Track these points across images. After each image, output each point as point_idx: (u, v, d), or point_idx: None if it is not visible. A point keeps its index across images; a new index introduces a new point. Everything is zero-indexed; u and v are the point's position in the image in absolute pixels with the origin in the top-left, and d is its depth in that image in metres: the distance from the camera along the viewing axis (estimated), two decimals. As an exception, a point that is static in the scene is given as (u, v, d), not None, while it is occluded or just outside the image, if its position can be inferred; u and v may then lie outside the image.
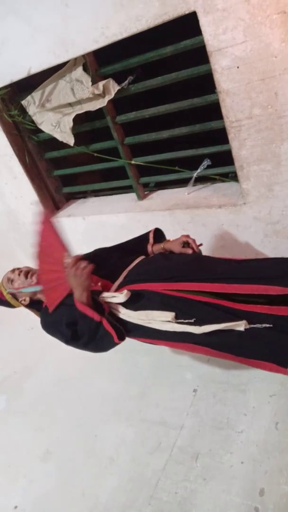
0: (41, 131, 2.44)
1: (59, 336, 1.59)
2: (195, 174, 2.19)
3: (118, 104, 2.18)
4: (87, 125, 2.33)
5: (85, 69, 2.02)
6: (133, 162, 2.33)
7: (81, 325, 1.48)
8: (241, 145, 1.78)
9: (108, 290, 1.55)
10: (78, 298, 1.47)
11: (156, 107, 2.05)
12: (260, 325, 1.29)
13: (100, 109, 2.14)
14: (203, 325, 1.35)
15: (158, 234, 1.84)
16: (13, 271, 1.84)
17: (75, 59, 1.99)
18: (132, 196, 2.58)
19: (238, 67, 1.58)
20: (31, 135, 2.57)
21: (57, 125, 2.32)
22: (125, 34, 1.73)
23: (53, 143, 2.51)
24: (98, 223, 2.65)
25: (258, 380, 1.87)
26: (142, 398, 2.09)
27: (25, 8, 1.90)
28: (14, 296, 1.82)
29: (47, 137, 2.48)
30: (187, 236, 1.67)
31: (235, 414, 1.79)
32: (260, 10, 1.43)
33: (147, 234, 1.82)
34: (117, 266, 1.64)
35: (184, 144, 2.16)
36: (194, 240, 1.66)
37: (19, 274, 1.79)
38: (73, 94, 2.11)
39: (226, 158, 1.97)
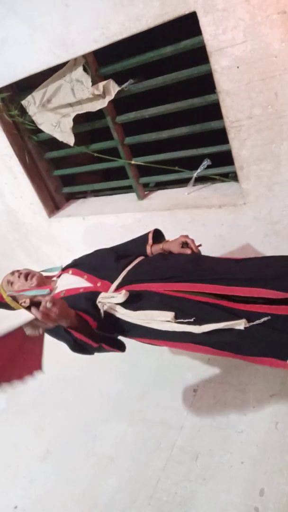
0: (41, 131, 2.44)
1: (61, 340, 1.58)
2: (195, 174, 2.19)
3: (118, 104, 2.17)
4: (87, 125, 2.33)
5: (85, 69, 2.02)
6: (133, 162, 2.33)
7: (83, 345, 1.48)
8: (241, 145, 1.78)
9: (107, 290, 1.55)
10: (69, 326, 1.43)
11: (156, 107, 2.05)
12: (259, 320, 1.29)
13: (100, 109, 2.14)
14: (202, 324, 1.35)
15: (158, 235, 1.84)
16: (12, 273, 1.84)
17: (75, 59, 1.99)
18: (132, 196, 2.58)
19: (238, 67, 1.58)
20: (31, 135, 2.57)
21: (57, 125, 2.32)
22: (125, 34, 1.73)
23: (53, 143, 2.51)
24: (98, 223, 2.65)
25: (258, 380, 1.87)
26: (142, 398, 2.09)
27: (25, 8, 1.90)
28: (14, 298, 1.82)
29: (47, 137, 2.48)
30: (186, 236, 1.67)
31: (235, 414, 1.79)
32: (260, 10, 1.43)
33: (146, 234, 1.82)
34: (116, 266, 1.64)
35: (184, 144, 2.16)
36: (193, 240, 1.66)
37: (19, 277, 1.79)
38: (73, 94, 2.11)
39: (226, 158, 1.97)
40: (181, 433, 1.82)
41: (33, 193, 2.75)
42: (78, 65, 2.02)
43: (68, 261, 1.93)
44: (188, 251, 1.64)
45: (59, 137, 2.37)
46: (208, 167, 2.13)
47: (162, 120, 2.18)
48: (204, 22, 1.54)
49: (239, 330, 1.31)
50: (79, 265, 1.80)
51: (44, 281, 1.85)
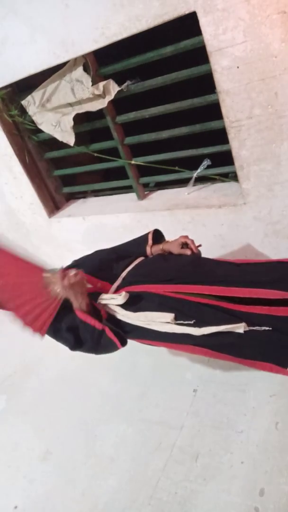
0: (41, 131, 2.44)
1: (62, 342, 1.58)
2: (195, 174, 2.19)
3: (118, 104, 2.17)
4: (87, 125, 2.33)
5: (85, 69, 2.02)
6: (133, 162, 2.33)
7: (83, 332, 1.48)
8: (241, 145, 1.78)
9: (107, 291, 1.55)
10: (76, 307, 1.46)
11: (156, 107, 2.05)
12: (260, 327, 1.29)
13: (100, 109, 2.14)
14: (202, 326, 1.35)
15: (158, 235, 1.84)
16: None
17: (75, 59, 1.99)
18: (132, 196, 2.58)
19: (238, 67, 1.58)
20: (31, 135, 2.57)
21: (57, 125, 2.32)
22: (125, 34, 1.73)
23: (53, 143, 2.51)
24: (98, 223, 2.65)
25: (258, 380, 1.87)
26: (142, 398, 2.09)
27: (25, 8, 1.90)
28: None
29: (47, 137, 2.48)
30: (186, 237, 1.66)
31: (235, 414, 1.79)
32: (260, 10, 1.43)
33: (146, 235, 1.82)
34: (116, 267, 1.64)
35: (184, 144, 2.16)
36: (193, 241, 1.66)
37: None
38: (73, 94, 2.11)
39: (226, 158, 1.97)
40: (181, 433, 1.82)
41: (33, 193, 2.75)
42: (78, 65, 2.02)
43: (68, 261, 1.92)
44: (188, 252, 1.64)
45: (59, 137, 2.37)
46: (208, 167, 2.13)
47: (162, 120, 2.18)
48: (204, 22, 1.54)
49: (239, 333, 1.31)
50: (79, 266, 1.80)
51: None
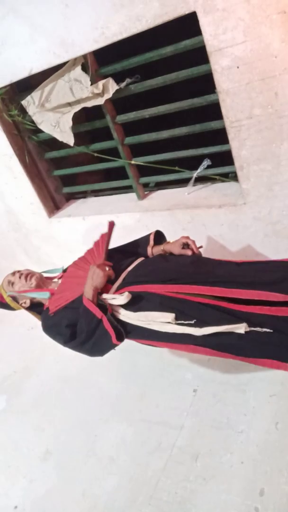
0: (41, 131, 2.44)
1: (58, 338, 1.59)
2: (195, 174, 2.19)
3: (118, 104, 2.18)
4: (87, 125, 2.33)
5: (84, 68, 2.02)
6: (133, 162, 2.33)
7: (81, 321, 1.49)
8: (241, 145, 1.78)
9: (107, 291, 1.55)
10: (85, 293, 1.50)
11: (156, 107, 2.05)
12: (261, 329, 1.29)
13: (100, 109, 2.14)
14: (203, 327, 1.35)
15: (159, 236, 1.84)
16: (13, 273, 1.84)
17: (75, 59, 1.99)
18: (132, 196, 2.58)
19: (238, 67, 1.58)
20: (31, 135, 2.57)
21: (56, 125, 2.32)
22: (125, 34, 1.73)
23: (53, 143, 2.51)
24: (98, 223, 2.65)
25: (258, 380, 1.87)
26: (142, 398, 2.09)
27: (25, 8, 1.90)
28: (14, 298, 1.82)
29: (47, 137, 2.48)
30: (187, 237, 1.67)
31: (235, 414, 1.79)
32: (260, 10, 1.43)
33: (147, 236, 1.82)
34: (117, 267, 1.64)
35: (184, 144, 2.16)
36: (193, 242, 1.66)
37: (19, 277, 1.80)
38: (72, 93, 2.11)
39: (226, 158, 1.97)
40: (181, 433, 1.82)
41: (33, 193, 2.75)
42: (77, 64, 2.02)
43: (69, 261, 1.93)
44: (189, 252, 1.64)
45: (59, 137, 2.37)
46: (208, 167, 2.13)
47: (162, 120, 2.18)
48: (204, 22, 1.54)
49: (240, 333, 1.31)
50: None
51: (44, 281, 1.85)
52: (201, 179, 2.29)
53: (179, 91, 2.15)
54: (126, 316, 1.50)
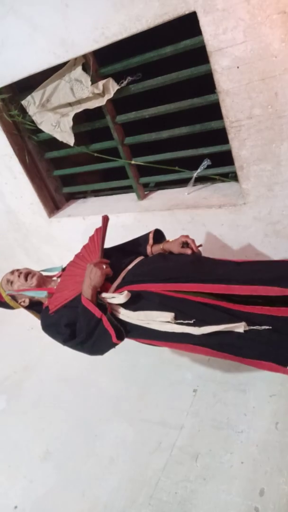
0: (41, 131, 2.44)
1: (57, 336, 1.59)
2: (195, 174, 2.19)
3: (118, 104, 2.18)
4: (87, 125, 2.33)
5: (84, 69, 2.02)
6: (133, 162, 2.33)
7: (80, 321, 1.48)
8: (241, 145, 1.78)
9: (107, 290, 1.55)
10: (84, 292, 1.49)
11: (156, 107, 2.05)
12: (260, 327, 1.29)
13: (100, 109, 2.14)
14: (202, 326, 1.35)
15: (158, 235, 1.84)
16: (12, 272, 1.84)
17: (75, 59, 1.99)
18: (132, 196, 2.58)
19: (238, 67, 1.58)
20: (31, 135, 2.57)
21: (57, 125, 2.32)
22: (125, 34, 1.73)
23: (53, 143, 2.51)
24: (98, 223, 2.64)
25: (258, 380, 1.87)
26: (142, 398, 2.09)
27: (25, 8, 1.90)
28: (13, 297, 1.82)
29: (47, 137, 2.48)
30: (186, 236, 1.67)
31: (235, 414, 1.79)
32: (260, 10, 1.43)
33: (147, 234, 1.82)
34: (116, 266, 1.64)
35: (184, 144, 2.16)
36: (193, 241, 1.66)
37: (18, 276, 1.79)
38: (72, 94, 2.11)
39: (226, 158, 1.97)
40: (181, 433, 1.82)
41: (33, 193, 2.75)
42: (77, 64, 2.02)
43: (69, 261, 1.92)
44: (189, 251, 1.64)
45: (59, 137, 2.37)
46: (208, 167, 2.13)
47: (162, 120, 2.18)
48: (204, 22, 1.54)
49: (239, 332, 1.31)
50: None
51: (44, 280, 1.85)
52: (201, 179, 2.29)
53: (179, 91, 2.15)
54: (125, 315, 1.50)
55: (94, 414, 2.13)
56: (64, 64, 2.02)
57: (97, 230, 1.80)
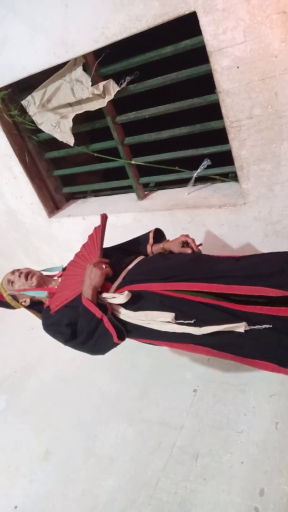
0: (41, 131, 2.44)
1: (58, 336, 1.59)
2: (195, 174, 2.19)
3: (118, 104, 2.18)
4: (87, 125, 2.33)
5: (85, 69, 2.02)
6: (133, 162, 2.33)
7: (81, 321, 1.48)
8: (241, 145, 1.78)
9: (107, 290, 1.55)
10: (84, 292, 1.49)
11: (156, 107, 2.05)
12: (260, 326, 1.29)
13: (100, 109, 2.14)
14: (203, 326, 1.35)
15: (158, 234, 1.84)
16: (13, 272, 1.84)
17: (75, 59, 1.99)
18: (132, 196, 2.58)
19: (238, 67, 1.58)
20: (31, 135, 2.57)
21: (57, 125, 2.32)
22: (125, 34, 1.73)
23: (53, 143, 2.51)
24: (98, 223, 2.64)
25: (258, 380, 1.87)
26: (142, 398, 2.09)
27: (25, 8, 1.90)
28: (14, 297, 1.82)
29: (47, 137, 2.48)
30: (187, 235, 1.67)
31: (235, 414, 1.79)
32: (260, 10, 1.43)
33: (147, 234, 1.82)
34: (117, 266, 1.64)
35: (184, 144, 2.16)
36: (193, 240, 1.66)
37: (19, 276, 1.79)
38: (73, 94, 2.11)
39: (226, 158, 1.97)
40: (181, 433, 1.82)
41: (33, 193, 2.75)
42: (78, 65, 2.02)
43: (69, 260, 1.92)
44: (189, 251, 1.64)
45: (59, 137, 2.37)
46: (208, 167, 2.13)
47: (162, 120, 2.18)
48: (204, 22, 1.54)
49: (239, 332, 1.31)
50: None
51: (45, 280, 1.85)
52: (201, 179, 2.29)
53: (179, 91, 2.15)
54: (126, 315, 1.50)
55: (94, 414, 2.13)
56: (64, 64, 2.02)
57: (96, 228, 1.79)
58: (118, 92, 2.00)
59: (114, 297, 1.49)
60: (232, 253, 2.23)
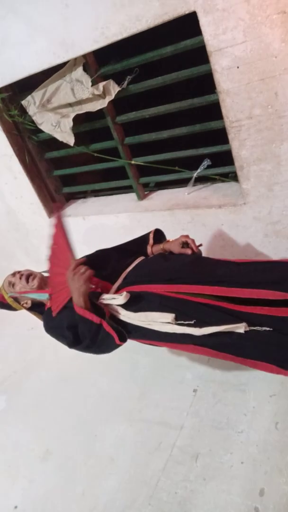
0: (41, 131, 2.44)
1: (61, 339, 1.58)
2: (195, 174, 2.19)
3: (118, 104, 2.17)
4: (87, 125, 2.33)
5: (85, 69, 2.02)
6: (133, 162, 2.33)
7: (81, 328, 1.48)
8: (241, 145, 1.78)
9: (107, 291, 1.55)
10: (75, 302, 1.47)
11: (156, 107, 2.05)
12: (260, 328, 1.29)
13: (100, 109, 2.14)
14: (203, 327, 1.35)
15: (158, 235, 1.84)
16: (13, 274, 1.83)
17: (75, 59, 1.99)
18: (132, 196, 2.58)
19: (238, 67, 1.58)
20: (31, 135, 2.57)
21: (57, 125, 2.32)
22: (125, 34, 1.73)
23: (53, 143, 2.51)
24: (98, 223, 2.65)
25: (258, 380, 1.87)
26: (142, 398, 2.09)
27: (25, 8, 1.90)
28: (15, 299, 1.82)
29: (47, 137, 2.48)
30: (187, 236, 1.67)
31: (235, 414, 1.79)
32: (260, 10, 1.43)
33: (147, 234, 1.82)
34: (117, 267, 1.64)
35: (184, 144, 2.16)
36: (193, 240, 1.66)
37: (20, 278, 1.79)
38: (73, 94, 2.11)
39: (226, 158, 1.97)
40: (181, 433, 1.82)
41: (33, 193, 2.75)
42: (78, 65, 2.02)
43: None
44: (189, 251, 1.64)
45: (59, 137, 2.37)
46: (208, 167, 2.13)
47: (162, 120, 2.18)
48: (204, 22, 1.54)
49: (240, 333, 1.31)
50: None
51: (45, 282, 1.84)
52: (201, 179, 2.28)
53: (179, 91, 2.15)
54: (126, 316, 1.50)
55: (94, 414, 2.13)
56: (64, 64, 2.02)
57: (56, 226, 1.69)
58: (118, 92, 2.00)
59: (113, 298, 1.49)
60: (232, 253, 2.23)
